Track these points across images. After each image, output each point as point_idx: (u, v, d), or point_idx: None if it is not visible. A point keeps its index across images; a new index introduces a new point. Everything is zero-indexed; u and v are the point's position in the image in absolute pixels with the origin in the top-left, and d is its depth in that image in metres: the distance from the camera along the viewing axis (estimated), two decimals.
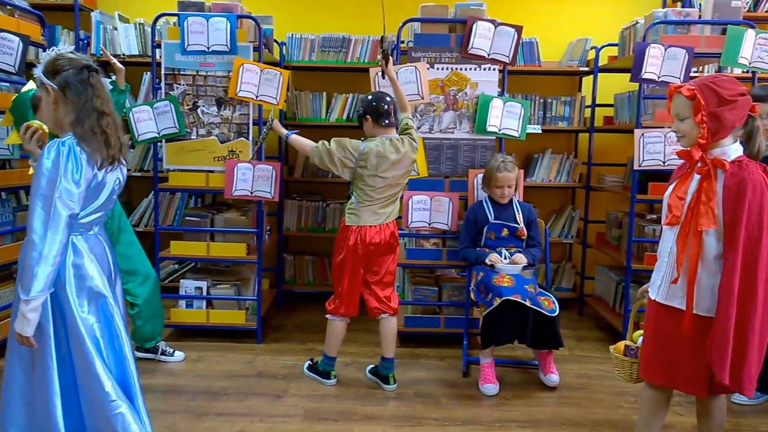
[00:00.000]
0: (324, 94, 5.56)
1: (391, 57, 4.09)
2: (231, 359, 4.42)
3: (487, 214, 4.17)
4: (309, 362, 4.21)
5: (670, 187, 2.71)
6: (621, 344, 3.04)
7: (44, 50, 4.47)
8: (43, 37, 4.48)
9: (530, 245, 4.20)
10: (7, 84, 4.28)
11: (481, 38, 4.42)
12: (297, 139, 3.92)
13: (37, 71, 2.40)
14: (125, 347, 2.54)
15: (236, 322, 4.74)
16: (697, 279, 2.55)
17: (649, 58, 4.26)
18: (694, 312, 2.56)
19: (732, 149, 2.54)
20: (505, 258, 4.09)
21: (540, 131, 5.25)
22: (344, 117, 5.52)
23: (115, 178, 2.52)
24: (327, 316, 4.00)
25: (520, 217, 4.17)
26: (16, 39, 3.98)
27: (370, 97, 3.88)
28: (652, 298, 2.76)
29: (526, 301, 3.73)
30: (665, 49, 4.29)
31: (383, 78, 4.26)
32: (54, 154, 2.29)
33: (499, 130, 4.54)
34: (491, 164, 4.13)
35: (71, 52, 2.44)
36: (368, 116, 3.82)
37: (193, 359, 4.39)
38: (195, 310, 4.73)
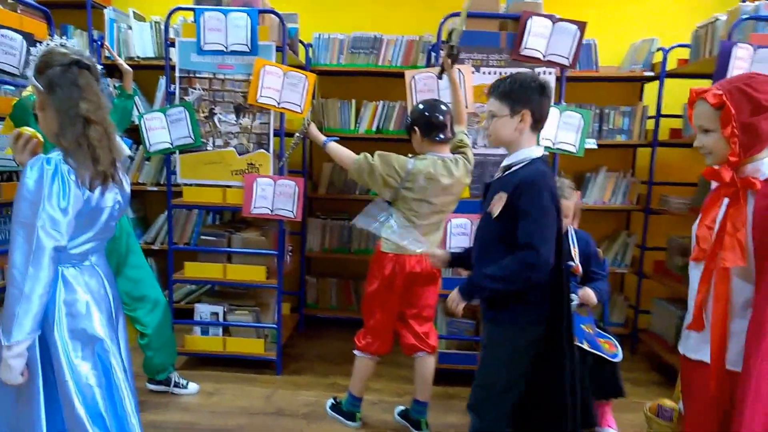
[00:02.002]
0: (353, 101, 5.23)
1: (456, 53, 3.66)
2: (248, 393, 4.16)
3: None
4: (332, 401, 3.90)
5: (700, 216, 2.27)
6: (656, 403, 2.63)
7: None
8: (49, 35, 4.19)
9: (594, 279, 3.71)
10: (12, 87, 4.00)
11: (537, 37, 4.04)
12: (336, 148, 3.53)
13: (29, 70, 2.14)
14: (125, 399, 2.26)
15: (254, 351, 4.48)
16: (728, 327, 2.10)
17: (735, 60, 3.83)
18: (726, 368, 2.10)
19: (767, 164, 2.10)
20: None
21: (595, 146, 4.78)
22: (374, 128, 5.18)
23: (113, 199, 2.22)
24: (356, 352, 3.66)
25: (575, 252, 3.70)
26: (19, 37, 3.70)
27: (421, 106, 3.49)
28: (681, 353, 2.33)
29: (583, 343, 3.37)
30: (755, 50, 3.86)
31: (440, 79, 3.85)
32: (36, 173, 2.00)
33: (554, 145, 4.15)
34: None
35: (63, 45, 2.15)
36: (417, 128, 3.42)
37: (208, 392, 4.15)
38: (211, 338, 4.49)
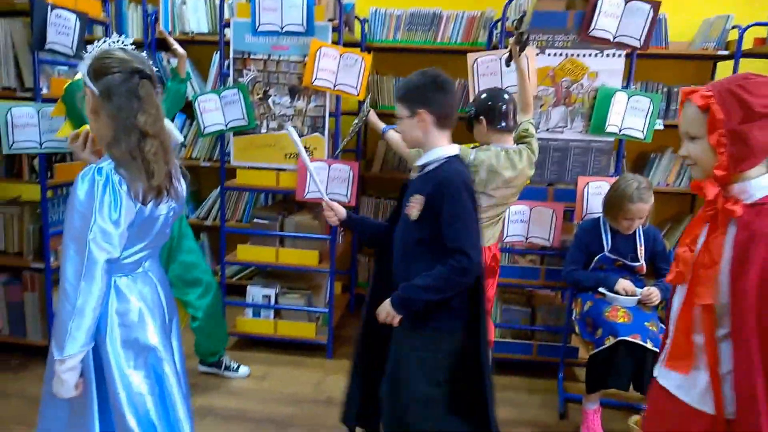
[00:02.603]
0: None
1: (524, 40, 3.48)
2: (298, 378, 4.16)
3: (602, 242, 3.61)
4: None
5: (682, 233, 2.02)
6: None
7: (107, 28, 4.25)
8: (104, 13, 4.16)
9: (661, 276, 3.61)
10: (65, 67, 3.99)
11: (607, 17, 3.84)
12: (395, 137, 3.45)
13: (81, 67, 2.07)
14: (178, 406, 2.25)
15: (306, 335, 4.47)
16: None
17: None
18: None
19: (758, 184, 1.79)
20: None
21: (661, 126, 4.55)
22: None
23: (167, 207, 2.17)
24: None
25: (642, 251, 3.58)
26: (73, 17, 3.67)
27: (484, 95, 3.38)
28: (657, 381, 2.05)
29: (646, 342, 3.23)
30: None
31: (507, 66, 3.69)
32: (87, 184, 1.95)
33: (620, 131, 3.99)
34: (622, 190, 3.48)
35: (123, 49, 2.08)
36: (482, 118, 3.31)
37: (259, 376, 4.17)
38: (262, 320, 4.50)
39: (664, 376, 2.01)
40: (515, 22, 3.58)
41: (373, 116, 3.57)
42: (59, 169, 3.85)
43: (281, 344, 4.53)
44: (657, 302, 3.44)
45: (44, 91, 3.71)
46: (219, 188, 4.88)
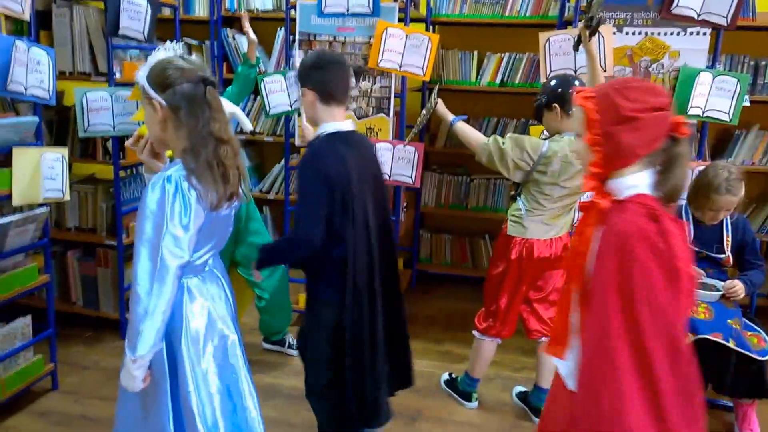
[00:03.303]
0: (475, 53, 5.08)
1: (595, 25, 3.36)
2: None
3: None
4: (448, 376, 3.92)
5: None
6: None
7: (175, 11, 4.35)
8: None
9: (749, 268, 3.49)
10: (137, 51, 4.11)
11: None
12: (463, 129, 3.42)
13: (140, 78, 2.10)
14: (246, 395, 2.35)
15: None
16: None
17: None
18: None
19: (628, 182, 1.90)
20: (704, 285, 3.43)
21: (747, 102, 4.14)
22: (497, 81, 5.03)
23: (233, 207, 2.27)
24: (475, 333, 3.61)
25: (728, 241, 3.45)
26: (144, 2, 3.77)
27: (554, 81, 3.29)
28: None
29: (729, 341, 3.16)
30: None
31: (576, 50, 3.60)
32: (158, 193, 2.02)
33: (704, 113, 3.84)
34: (710, 179, 3.32)
35: (183, 57, 2.12)
36: (555, 105, 3.21)
37: None
38: None
39: (559, 363, 2.13)
40: (586, 5, 3.50)
41: (441, 107, 3.53)
42: (131, 150, 3.98)
43: None
44: (741, 296, 3.34)
45: (117, 75, 3.84)
46: (282, 163, 4.98)
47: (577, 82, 3.25)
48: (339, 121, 2.70)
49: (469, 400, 3.74)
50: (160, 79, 2.06)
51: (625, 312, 1.79)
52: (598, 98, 1.90)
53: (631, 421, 1.77)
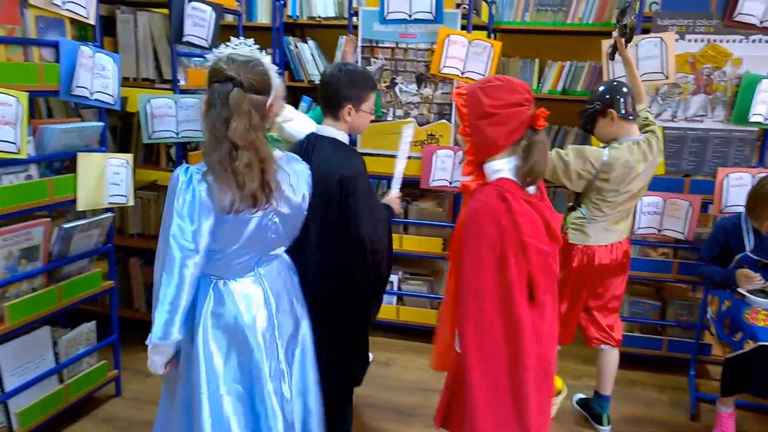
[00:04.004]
0: (536, 60, 4.94)
1: (629, 32, 3.38)
2: (422, 367, 4.14)
3: (743, 241, 3.37)
4: None
5: None
6: None
7: (239, 18, 4.31)
8: (237, 3, 4.21)
9: None
10: (201, 59, 4.08)
11: (754, 0, 3.55)
12: None
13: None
14: (271, 413, 2.22)
15: (427, 321, 4.44)
16: None
17: None
18: None
19: (494, 167, 2.14)
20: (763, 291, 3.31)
21: None
22: (558, 88, 4.88)
23: (266, 219, 2.18)
24: None
25: None
26: (209, 9, 3.72)
27: (603, 88, 3.21)
28: None
29: None
30: None
31: (612, 59, 3.56)
32: (173, 181, 2.04)
33: (765, 120, 3.71)
34: (766, 189, 3.26)
35: (233, 56, 2.05)
36: (611, 110, 3.14)
37: (381, 362, 4.20)
38: (385, 305, 4.42)
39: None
40: (618, 14, 3.45)
41: None
42: (193, 157, 3.95)
43: (403, 330, 4.54)
44: None
45: (181, 82, 3.79)
46: None
47: (626, 88, 3.18)
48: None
49: None
50: (207, 75, 2.07)
51: (474, 278, 2.04)
52: (467, 95, 2.13)
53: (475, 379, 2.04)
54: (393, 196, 3.06)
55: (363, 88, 2.71)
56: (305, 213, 2.30)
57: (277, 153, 2.19)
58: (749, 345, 3.10)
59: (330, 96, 2.70)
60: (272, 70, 2.13)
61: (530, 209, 2.07)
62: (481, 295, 2.04)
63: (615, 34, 3.42)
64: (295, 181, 2.24)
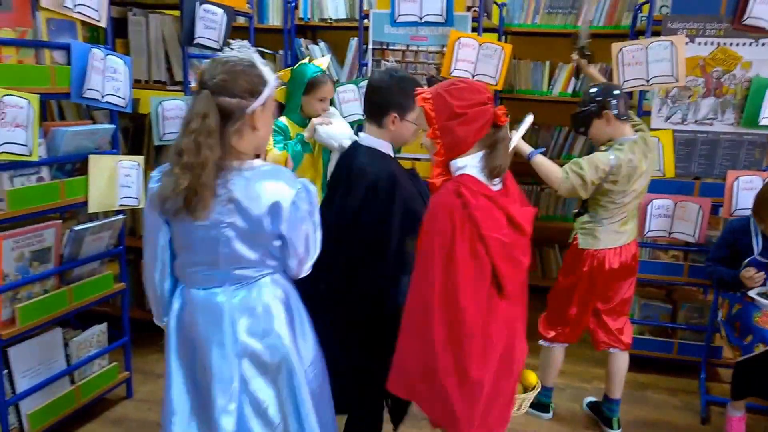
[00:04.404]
0: (547, 63, 4.93)
1: (589, 53, 3.47)
2: None
3: (752, 244, 3.34)
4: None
5: None
6: None
7: (250, 20, 4.29)
8: (248, 5, 4.19)
9: None
10: None
11: (764, 3, 3.52)
12: (543, 162, 3.27)
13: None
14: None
15: None
16: None
17: None
18: None
19: (458, 164, 2.21)
20: None
21: None
22: (569, 90, 4.86)
23: (216, 230, 2.00)
24: (543, 343, 3.50)
25: None
26: (220, 11, 3.71)
27: (595, 89, 3.24)
28: None
29: None
30: None
31: (577, 78, 3.57)
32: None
33: None
34: None
35: (214, 59, 2.02)
36: (607, 111, 3.15)
37: None
38: None
39: None
40: (574, 38, 3.59)
41: (520, 142, 3.24)
42: None
43: None
44: None
45: (192, 84, 3.77)
46: None
47: (617, 90, 3.23)
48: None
49: (546, 411, 3.63)
50: None
51: (424, 272, 2.12)
52: (433, 99, 2.17)
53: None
54: None
55: (411, 97, 2.52)
56: (279, 232, 2.05)
57: (255, 162, 2.05)
58: (759, 348, 3.08)
59: (375, 102, 2.61)
60: (265, 74, 2.02)
61: (489, 203, 2.14)
62: (430, 289, 2.12)
63: (575, 57, 3.57)
64: (257, 194, 2.00)
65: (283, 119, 3.42)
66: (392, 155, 2.67)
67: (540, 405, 3.60)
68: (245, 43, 2.06)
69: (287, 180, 2.05)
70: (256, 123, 2.01)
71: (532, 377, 2.62)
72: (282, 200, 2.00)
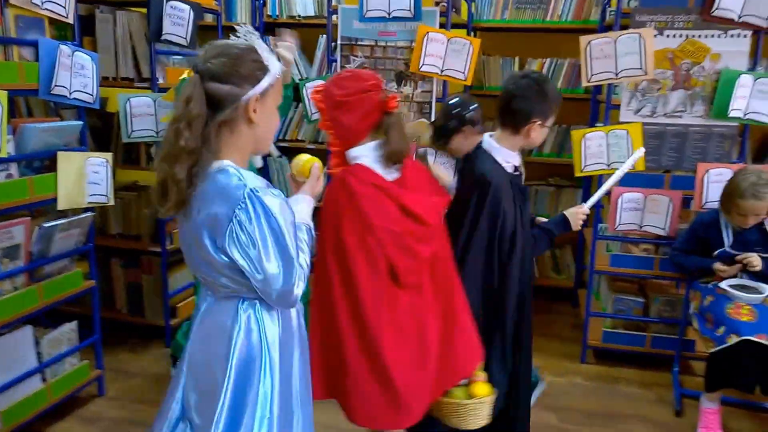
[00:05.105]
0: (516, 59, 5.02)
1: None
2: None
3: (722, 237, 3.45)
4: None
5: None
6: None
7: (218, 18, 4.34)
8: (216, 2, 4.25)
9: None
10: (180, 57, 4.11)
11: None
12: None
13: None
14: None
15: None
16: None
17: None
18: None
19: (352, 154, 2.30)
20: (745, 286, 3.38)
21: None
22: None
23: (185, 230, 1.86)
24: None
25: None
26: (187, 8, 3.77)
27: (453, 103, 3.34)
28: None
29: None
30: None
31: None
32: None
33: (744, 115, 3.76)
34: (738, 184, 3.33)
35: (210, 43, 1.85)
36: (467, 125, 3.26)
37: None
38: None
39: None
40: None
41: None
42: None
43: None
44: (756, 267, 3.31)
45: (160, 81, 3.83)
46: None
47: (475, 104, 3.32)
48: None
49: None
50: None
51: (322, 261, 2.25)
52: (323, 92, 2.29)
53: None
54: (581, 210, 2.85)
55: (554, 102, 2.59)
56: (204, 245, 1.77)
57: (223, 162, 1.80)
58: (732, 339, 3.16)
59: (516, 109, 2.56)
60: (266, 61, 1.83)
61: (377, 192, 2.20)
62: (328, 278, 2.23)
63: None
64: (206, 197, 1.76)
65: None
66: (516, 162, 2.67)
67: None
68: (250, 28, 1.88)
69: (238, 187, 1.74)
70: (251, 116, 1.80)
71: (482, 389, 2.47)
72: (224, 211, 1.73)
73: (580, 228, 2.85)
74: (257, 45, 1.83)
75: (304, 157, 2.16)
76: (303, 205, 2.04)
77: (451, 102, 3.38)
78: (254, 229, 1.71)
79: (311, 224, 2.00)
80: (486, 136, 2.71)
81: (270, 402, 1.85)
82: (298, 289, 1.81)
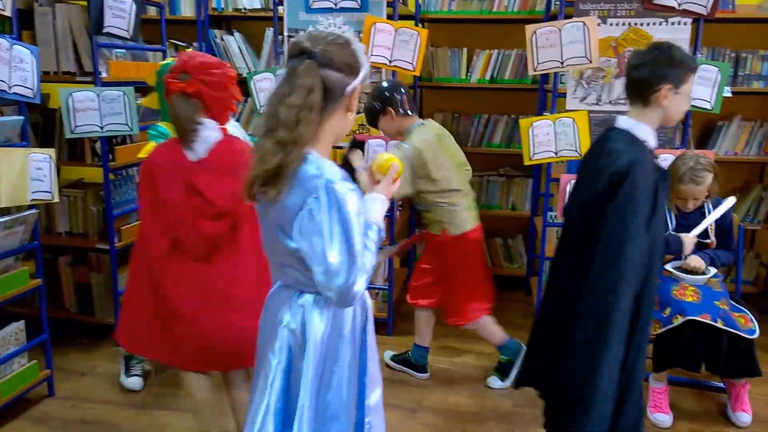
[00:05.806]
0: (464, 50, 5.08)
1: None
2: None
3: (666, 220, 3.52)
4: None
5: None
6: None
7: (161, 11, 4.30)
8: None
9: (718, 247, 3.60)
10: (123, 51, 4.07)
11: None
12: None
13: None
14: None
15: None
16: None
17: None
18: None
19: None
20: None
21: (729, 93, 4.30)
22: (487, 77, 5.03)
23: (267, 210, 1.94)
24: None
25: (712, 226, 3.52)
26: (129, 1, 3.73)
27: (382, 87, 3.60)
28: None
29: (717, 322, 3.22)
30: None
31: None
32: None
33: None
34: (677, 168, 3.44)
35: (311, 32, 1.86)
36: (390, 108, 3.57)
37: None
38: None
39: None
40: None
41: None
42: (120, 151, 3.96)
43: None
44: (701, 266, 3.47)
45: (103, 74, 3.79)
46: None
47: (402, 89, 3.58)
48: None
49: (424, 371, 3.98)
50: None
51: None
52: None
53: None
54: (690, 236, 3.38)
55: (685, 66, 2.48)
56: (275, 231, 1.86)
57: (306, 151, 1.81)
58: (678, 320, 3.27)
59: (639, 79, 2.48)
60: (362, 55, 1.87)
61: (169, 166, 2.52)
62: (138, 244, 2.73)
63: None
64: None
65: (164, 124, 3.14)
66: (652, 141, 2.54)
67: (418, 366, 3.94)
68: (339, 19, 1.94)
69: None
70: (351, 105, 1.88)
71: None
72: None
73: (689, 253, 3.42)
74: (351, 38, 1.85)
75: (386, 155, 2.07)
76: (378, 205, 1.98)
77: (378, 86, 3.58)
78: (323, 219, 1.73)
79: (382, 225, 1.94)
80: (619, 117, 2.61)
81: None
82: (358, 287, 1.80)
